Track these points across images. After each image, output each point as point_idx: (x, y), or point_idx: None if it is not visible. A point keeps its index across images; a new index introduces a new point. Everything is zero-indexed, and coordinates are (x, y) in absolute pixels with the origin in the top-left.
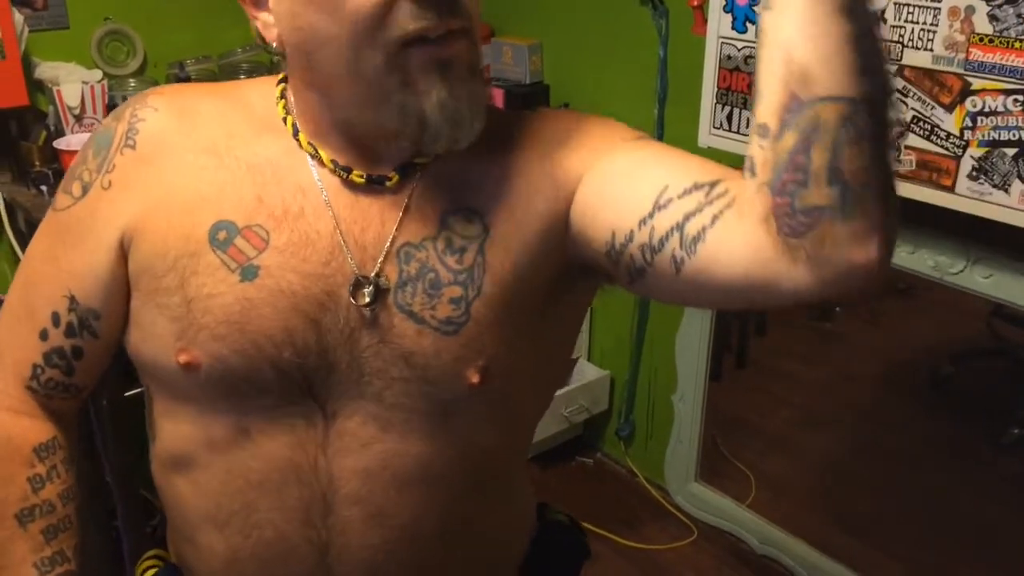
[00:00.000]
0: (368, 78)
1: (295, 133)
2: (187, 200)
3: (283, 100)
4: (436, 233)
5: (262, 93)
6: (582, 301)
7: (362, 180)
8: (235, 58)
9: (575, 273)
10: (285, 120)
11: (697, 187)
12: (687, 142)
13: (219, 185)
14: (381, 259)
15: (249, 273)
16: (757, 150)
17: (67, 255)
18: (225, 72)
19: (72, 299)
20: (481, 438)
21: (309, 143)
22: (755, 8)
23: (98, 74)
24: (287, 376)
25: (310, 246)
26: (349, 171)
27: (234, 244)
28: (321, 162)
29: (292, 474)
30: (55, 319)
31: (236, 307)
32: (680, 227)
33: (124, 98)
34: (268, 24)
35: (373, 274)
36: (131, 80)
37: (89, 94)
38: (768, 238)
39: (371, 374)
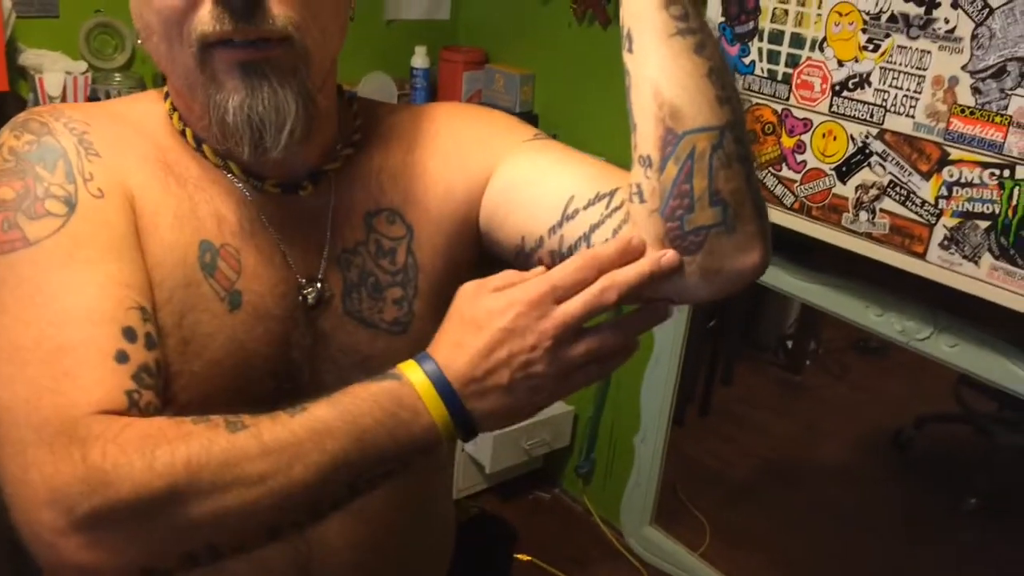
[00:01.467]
0: (182, 74)
1: (199, 146)
2: (174, 215)
3: (176, 112)
4: (365, 237)
5: (149, 109)
6: None
7: (276, 190)
8: None
9: (487, 264)
10: (184, 133)
11: (599, 197)
12: None
13: (188, 202)
14: (323, 268)
15: (235, 301)
16: (643, 179)
17: (108, 270)
18: None
19: (143, 310)
20: None
21: (216, 154)
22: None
23: (83, 66)
24: (261, 402)
25: (270, 264)
26: (263, 180)
27: (218, 267)
28: (233, 173)
29: None
30: (129, 335)
31: (229, 345)
32: (587, 237)
33: (107, 92)
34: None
35: (319, 276)
36: (116, 74)
37: (72, 85)
38: None
39: (333, 384)
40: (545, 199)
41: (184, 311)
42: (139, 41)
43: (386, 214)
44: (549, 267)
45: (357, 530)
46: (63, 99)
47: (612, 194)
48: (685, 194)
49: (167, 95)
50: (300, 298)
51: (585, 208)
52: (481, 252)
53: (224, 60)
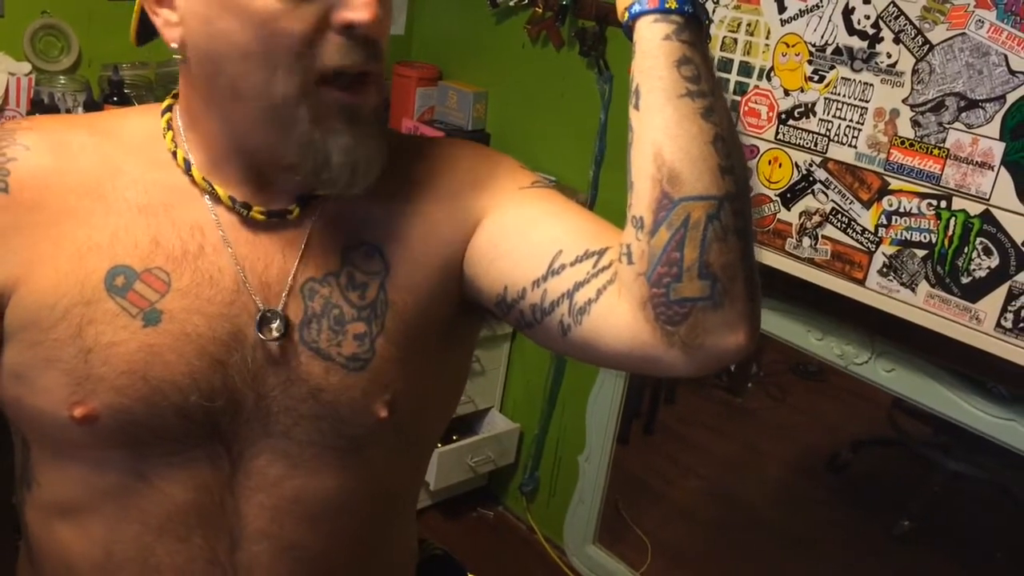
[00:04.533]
0: (277, 102)
1: (187, 168)
2: (76, 247)
3: (170, 131)
4: (339, 269)
5: (142, 124)
6: (475, 331)
7: (263, 218)
8: (174, 67)
9: (468, 308)
10: (175, 154)
11: (587, 255)
12: (618, 207)
13: (110, 230)
14: (285, 294)
15: (152, 318)
16: (634, 241)
17: None
18: (163, 81)
19: None
20: (390, 469)
21: (204, 179)
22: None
23: (27, 67)
24: (192, 420)
25: (214, 286)
26: (248, 208)
27: (133, 289)
28: (217, 198)
29: (195, 517)
30: None
31: (139, 355)
32: (570, 295)
33: (51, 94)
34: (170, 22)
35: (280, 308)
36: (61, 77)
37: (15, 86)
38: (646, 324)
39: (279, 412)
40: (532, 250)
41: (82, 325)
42: (179, 52)
43: (365, 248)
44: (529, 320)
45: (289, 567)
46: (5, 101)
47: (601, 253)
48: (674, 262)
49: (166, 110)
50: (256, 323)
51: (572, 264)
52: (461, 296)
53: (330, 101)
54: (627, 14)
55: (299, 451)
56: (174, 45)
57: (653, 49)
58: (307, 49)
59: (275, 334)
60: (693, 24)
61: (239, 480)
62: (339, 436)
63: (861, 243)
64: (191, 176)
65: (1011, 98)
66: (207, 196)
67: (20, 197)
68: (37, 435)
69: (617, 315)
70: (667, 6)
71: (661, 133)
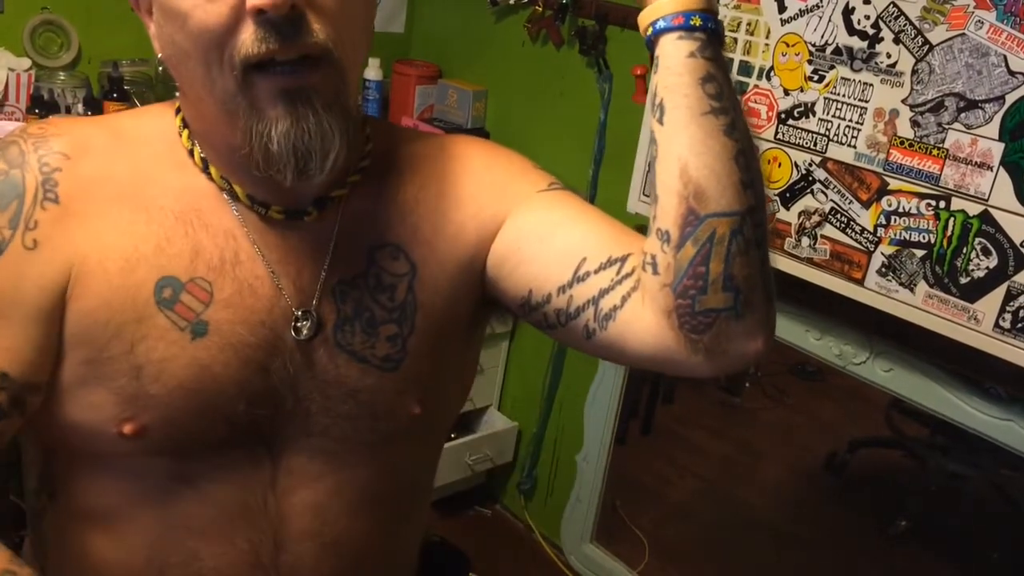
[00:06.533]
0: (221, 98)
1: (205, 167)
2: (125, 259)
3: (186, 129)
4: (365, 270)
5: (158, 125)
6: (487, 323)
7: (280, 216)
8: None
9: (485, 304)
10: (192, 153)
11: (611, 262)
12: (617, 206)
13: (154, 241)
14: (317, 297)
15: (199, 331)
16: (660, 253)
17: None
18: (163, 78)
19: (4, 376)
20: (418, 460)
21: (222, 177)
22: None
23: (26, 63)
24: (237, 426)
25: (253, 294)
26: (267, 207)
27: (180, 301)
28: (236, 197)
29: (240, 518)
30: None
31: (190, 371)
32: (595, 301)
33: (51, 91)
34: (153, 34)
35: (313, 307)
36: (61, 73)
37: (14, 82)
38: (671, 331)
39: (317, 413)
40: (556, 256)
41: (135, 342)
42: (160, 68)
43: (390, 249)
44: (552, 323)
45: (332, 564)
46: (4, 97)
47: (624, 260)
48: (700, 276)
49: (179, 110)
50: (291, 327)
51: (596, 272)
52: (483, 295)
53: (266, 88)
54: (651, 29)
55: (335, 448)
56: (159, 55)
57: (678, 66)
58: (229, 39)
59: (306, 333)
60: (715, 40)
61: (280, 478)
62: (373, 433)
63: (860, 243)
64: (209, 174)
65: (1010, 99)
66: (227, 195)
67: (70, 208)
68: (72, 447)
69: (642, 322)
70: (692, 23)
71: (686, 150)
